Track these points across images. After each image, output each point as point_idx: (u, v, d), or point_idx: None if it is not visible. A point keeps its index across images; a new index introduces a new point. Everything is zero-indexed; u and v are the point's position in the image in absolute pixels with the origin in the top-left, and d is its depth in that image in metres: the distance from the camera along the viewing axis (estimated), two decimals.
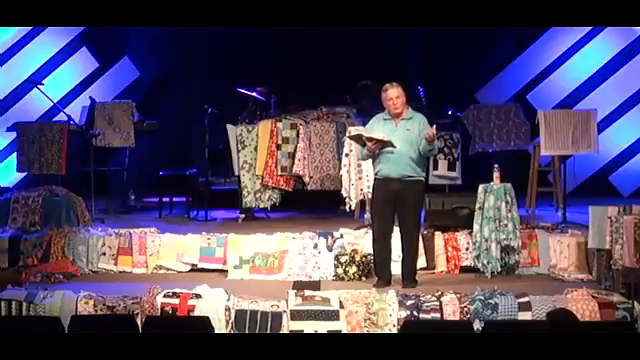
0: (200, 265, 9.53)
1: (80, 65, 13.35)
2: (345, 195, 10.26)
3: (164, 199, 11.56)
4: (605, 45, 12.74)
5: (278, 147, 10.90)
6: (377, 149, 8.58)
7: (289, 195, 11.05)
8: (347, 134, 9.65)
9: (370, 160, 8.95)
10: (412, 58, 12.84)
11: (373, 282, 8.74)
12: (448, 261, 9.36)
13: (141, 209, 12.02)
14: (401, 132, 8.61)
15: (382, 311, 7.76)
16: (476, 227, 9.00)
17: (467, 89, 12.84)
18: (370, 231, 9.06)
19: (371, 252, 8.97)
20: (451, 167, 10.89)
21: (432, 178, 10.58)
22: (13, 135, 11.80)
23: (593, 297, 7.82)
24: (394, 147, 8.49)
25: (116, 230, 9.93)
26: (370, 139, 8.54)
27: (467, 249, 9.29)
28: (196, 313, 7.72)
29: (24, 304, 7.99)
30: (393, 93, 8.64)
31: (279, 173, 10.89)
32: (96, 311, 7.87)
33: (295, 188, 10.97)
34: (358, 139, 8.74)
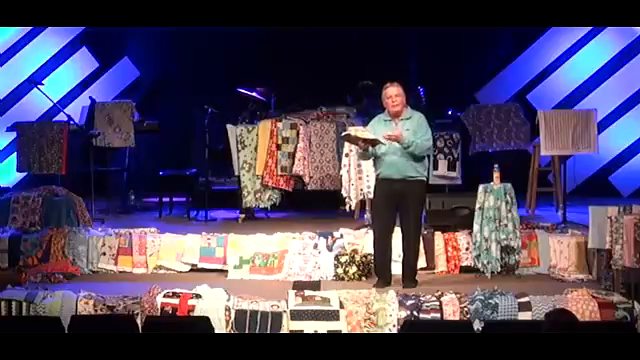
0: (200, 265, 9.53)
1: (80, 65, 13.36)
2: (345, 195, 10.26)
3: (164, 199, 11.56)
4: (605, 45, 12.74)
5: (278, 147, 10.90)
6: (367, 147, 8.61)
7: (289, 195, 11.05)
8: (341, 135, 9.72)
9: (370, 160, 8.96)
10: (412, 58, 12.84)
11: (373, 282, 8.74)
12: (448, 261, 9.36)
13: (141, 209, 12.02)
14: (401, 132, 8.61)
15: (382, 311, 7.76)
16: (476, 227, 9.01)
17: (467, 89, 12.85)
18: (370, 231, 9.07)
19: (371, 252, 8.97)
20: (451, 167, 10.89)
21: (432, 178, 10.56)
22: (13, 135, 11.79)
23: (593, 297, 7.83)
24: (383, 144, 8.52)
25: (116, 230, 9.94)
26: (358, 138, 8.59)
27: (467, 249, 9.29)
28: (196, 313, 7.72)
29: (24, 304, 7.99)
30: (392, 91, 8.66)
31: (279, 173, 10.89)
32: (96, 311, 7.87)
33: (295, 188, 10.97)
34: (350, 139, 8.82)
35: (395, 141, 8.49)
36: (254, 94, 11.83)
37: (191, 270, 9.53)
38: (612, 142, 12.48)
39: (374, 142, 8.56)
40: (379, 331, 7.69)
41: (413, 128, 8.61)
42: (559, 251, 9.28)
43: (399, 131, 8.50)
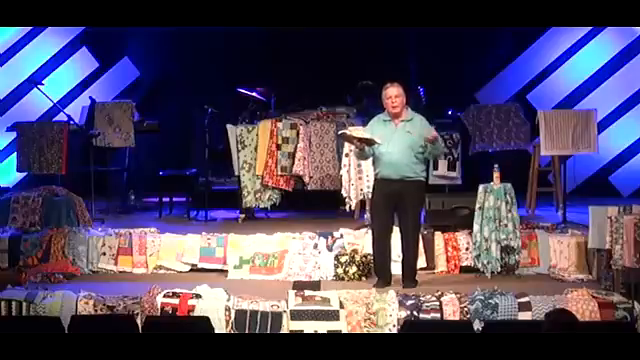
0: (200, 265, 9.53)
1: (80, 65, 13.36)
2: (345, 195, 10.26)
3: (164, 199, 11.56)
4: (605, 45, 12.74)
5: (278, 147, 10.90)
6: (362, 147, 8.61)
7: (289, 195, 11.05)
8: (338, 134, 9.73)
9: (370, 160, 8.96)
10: (412, 58, 12.83)
11: (373, 282, 8.74)
12: (448, 261, 9.36)
13: (141, 209, 12.02)
14: (401, 133, 8.61)
15: (382, 311, 7.76)
16: (476, 227, 9.01)
17: (467, 89, 12.85)
18: (370, 231, 9.06)
19: (371, 252, 8.97)
20: (451, 167, 10.89)
21: (432, 178, 10.57)
22: (13, 135, 11.79)
23: (593, 297, 7.83)
24: (378, 144, 8.52)
25: (116, 230, 9.94)
26: (354, 137, 8.58)
27: (467, 249, 9.29)
28: (196, 313, 7.72)
29: (24, 304, 7.99)
30: (392, 92, 8.65)
31: (279, 173, 10.89)
32: (96, 311, 7.87)
33: (295, 188, 10.97)
34: (346, 138, 8.82)
35: (431, 142, 8.51)
36: (254, 94, 11.82)
37: (191, 270, 9.53)
38: (612, 142, 12.49)
39: (370, 142, 8.56)
40: (379, 331, 7.68)
41: (417, 131, 8.60)
42: (559, 251, 9.28)
43: (436, 133, 8.54)
